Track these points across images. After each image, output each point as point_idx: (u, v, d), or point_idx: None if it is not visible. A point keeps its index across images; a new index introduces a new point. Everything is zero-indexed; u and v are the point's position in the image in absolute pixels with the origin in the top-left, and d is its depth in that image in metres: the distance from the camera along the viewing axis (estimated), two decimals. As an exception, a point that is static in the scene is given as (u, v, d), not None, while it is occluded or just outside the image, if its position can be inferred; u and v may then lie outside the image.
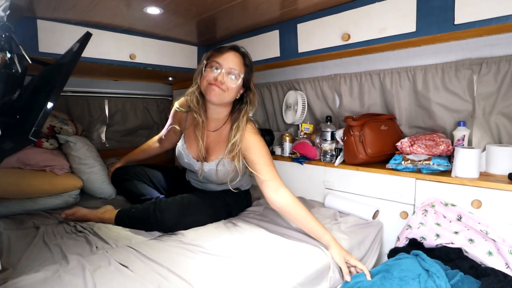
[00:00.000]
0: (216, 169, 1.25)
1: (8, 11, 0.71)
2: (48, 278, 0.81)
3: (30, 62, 0.80)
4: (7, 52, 0.73)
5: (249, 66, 1.20)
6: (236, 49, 1.18)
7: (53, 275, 0.82)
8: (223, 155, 1.22)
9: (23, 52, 0.78)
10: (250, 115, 1.24)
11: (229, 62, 1.14)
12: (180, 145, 1.34)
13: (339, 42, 1.42)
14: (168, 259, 0.93)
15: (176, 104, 1.32)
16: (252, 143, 1.18)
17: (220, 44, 1.97)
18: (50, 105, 0.67)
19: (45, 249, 1.02)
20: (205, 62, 1.16)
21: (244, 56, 1.19)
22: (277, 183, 1.14)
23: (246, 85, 1.20)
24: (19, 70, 0.76)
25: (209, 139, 1.28)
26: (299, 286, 0.88)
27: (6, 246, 1.03)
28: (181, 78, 2.29)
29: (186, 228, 1.18)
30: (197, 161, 1.29)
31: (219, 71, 1.13)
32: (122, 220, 1.24)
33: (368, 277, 0.94)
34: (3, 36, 0.70)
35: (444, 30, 1.15)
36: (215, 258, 0.97)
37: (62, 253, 0.98)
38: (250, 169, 1.20)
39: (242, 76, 1.17)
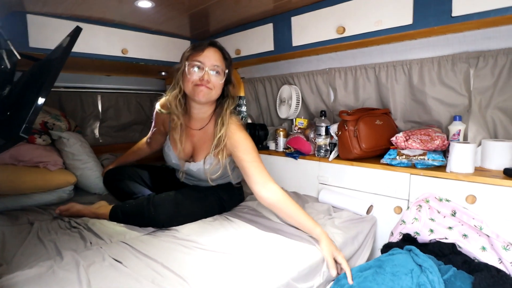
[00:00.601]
0: (204, 168, 1.24)
1: None
2: (42, 274, 0.81)
3: (19, 57, 0.79)
4: (-5, 47, 0.72)
5: (229, 59, 1.20)
6: (214, 44, 1.16)
7: (47, 271, 0.83)
8: (209, 152, 1.22)
9: (12, 48, 0.77)
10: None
11: (211, 59, 1.12)
12: (166, 147, 1.33)
13: (334, 36, 1.40)
14: (162, 255, 0.94)
15: (158, 106, 1.30)
16: (238, 140, 1.17)
17: (213, 39, 1.96)
18: (40, 101, 0.67)
19: (40, 245, 1.02)
20: (186, 63, 1.13)
21: (223, 50, 1.18)
22: (265, 178, 1.13)
23: (227, 78, 1.20)
24: (8, 66, 0.75)
25: (195, 139, 1.27)
26: (292, 281, 0.88)
27: (0, 242, 1.04)
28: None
29: (179, 223, 1.18)
30: (185, 161, 1.29)
31: (203, 70, 1.12)
32: (116, 216, 1.24)
33: (349, 280, 0.92)
34: (-10, 31, 0.69)
35: (442, 23, 1.13)
36: (209, 253, 0.97)
37: (57, 249, 0.98)
38: (238, 166, 1.19)
39: (226, 71, 1.16)
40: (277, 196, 1.11)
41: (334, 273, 0.97)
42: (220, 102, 1.23)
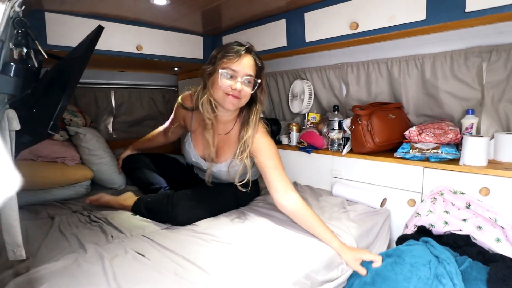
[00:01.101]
0: (227, 170, 1.25)
1: (23, 6, 0.71)
2: (68, 266, 0.84)
3: (46, 56, 0.81)
4: (23, 47, 0.73)
5: (261, 66, 1.15)
6: (249, 51, 1.12)
7: (72, 263, 0.85)
8: (232, 155, 1.21)
9: (39, 47, 0.79)
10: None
11: (245, 68, 1.09)
12: (187, 144, 1.32)
13: (347, 31, 1.40)
14: (182, 248, 0.96)
15: (180, 100, 1.29)
16: (262, 146, 1.16)
17: (226, 35, 1.96)
18: (66, 99, 0.68)
19: (62, 238, 1.05)
20: (219, 71, 1.08)
21: (257, 56, 1.14)
22: (286, 187, 1.12)
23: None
24: (35, 65, 0.77)
25: (217, 140, 1.26)
26: (311, 273, 0.90)
27: (24, 236, 1.03)
28: (187, 69, 2.29)
29: (197, 221, 1.19)
30: (205, 160, 1.29)
31: (235, 79, 1.09)
32: (139, 209, 1.27)
33: (376, 264, 0.96)
34: (20, 31, 0.71)
35: (455, 18, 1.13)
36: (228, 246, 0.99)
37: (79, 242, 1.00)
38: (258, 168, 1.19)
39: (258, 80, 1.13)
40: (297, 206, 1.09)
41: (364, 272, 0.98)
42: (247, 106, 1.20)
